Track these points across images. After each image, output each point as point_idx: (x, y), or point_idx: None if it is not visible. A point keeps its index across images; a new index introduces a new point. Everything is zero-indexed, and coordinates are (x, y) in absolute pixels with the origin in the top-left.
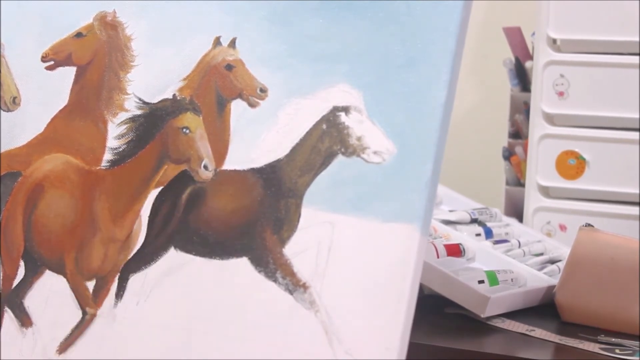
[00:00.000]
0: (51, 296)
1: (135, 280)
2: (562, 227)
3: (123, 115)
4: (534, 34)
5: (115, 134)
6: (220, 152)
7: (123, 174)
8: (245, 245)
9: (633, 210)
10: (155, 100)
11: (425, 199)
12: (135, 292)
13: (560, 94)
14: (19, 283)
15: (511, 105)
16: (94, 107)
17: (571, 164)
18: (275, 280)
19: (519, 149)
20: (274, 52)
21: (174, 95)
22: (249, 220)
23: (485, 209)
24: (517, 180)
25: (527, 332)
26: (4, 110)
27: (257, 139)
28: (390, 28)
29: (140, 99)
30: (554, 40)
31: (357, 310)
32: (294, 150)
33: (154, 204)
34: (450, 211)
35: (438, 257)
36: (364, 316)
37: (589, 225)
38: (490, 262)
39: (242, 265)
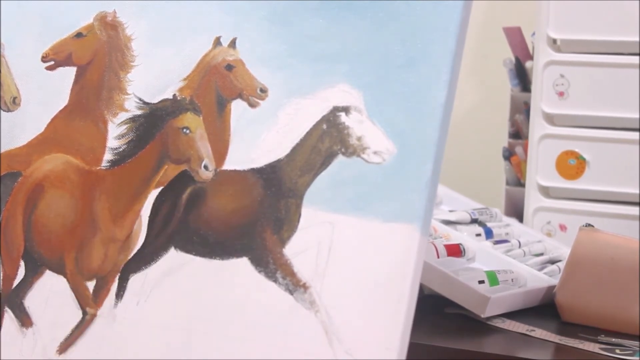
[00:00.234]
0: (51, 296)
1: (136, 280)
2: (562, 227)
3: (123, 115)
4: (534, 34)
5: (115, 134)
6: (220, 152)
7: (123, 174)
8: (245, 245)
9: (633, 210)
10: (155, 101)
11: (425, 199)
12: (135, 292)
13: (560, 94)
14: (19, 283)
15: (511, 105)
16: (94, 107)
17: (571, 164)
18: (275, 281)
19: (519, 149)
20: (274, 52)
21: (174, 95)
22: (249, 220)
23: (486, 209)
24: (517, 180)
25: (527, 332)
26: (4, 110)
27: (257, 139)
28: (390, 28)
29: (140, 99)
30: (554, 40)
31: (357, 310)
32: (294, 150)
33: (154, 204)
34: (450, 211)
35: (438, 257)
36: (364, 316)
37: (589, 225)
38: (490, 262)
39: (242, 265)
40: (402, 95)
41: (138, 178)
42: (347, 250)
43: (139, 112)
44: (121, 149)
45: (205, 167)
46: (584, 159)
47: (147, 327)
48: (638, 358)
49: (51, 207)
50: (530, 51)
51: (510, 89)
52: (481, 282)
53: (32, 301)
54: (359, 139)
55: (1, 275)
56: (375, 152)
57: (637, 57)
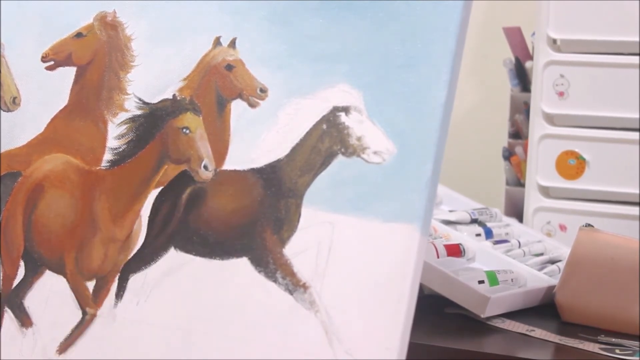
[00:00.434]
0: (51, 296)
1: (135, 281)
2: (562, 227)
3: (123, 116)
4: (534, 34)
5: (115, 134)
6: (220, 152)
7: (123, 174)
8: (245, 245)
9: (633, 210)
10: (155, 101)
11: (425, 199)
12: (135, 292)
13: (560, 94)
14: (19, 283)
15: (511, 105)
16: (94, 107)
17: (571, 164)
18: (275, 281)
19: (519, 149)
20: (274, 52)
21: (174, 95)
22: (249, 220)
23: (485, 209)
24: (517, 180)
25: (527, 332)
26: (4, 110)
27: (257, 139)
28: (390, 28)
29: (140, 99)
30: (554, 40)
31: (357, 310)
32: (294, 150)
33: (154, 204)
34: (450, 211)
35: (438, 257)
36: (364, 316)
37: (589, 225)
38: (490, 262)
39: (242, 265)
40: (402, 95)
41: (138, 178)
42: (347, 250)
43: (138, 112)
44: (121, 149)
45: (205, 167)
46: (583, 159)
47: (147, 327)
48: (638, 358)
49: (51, 207)
50: (530, 51)
51: (510, 89)
52: (481, 282)
53: (32, 301)
54: (359, 139)
55: (1, 275)
56: (375, 152)
57: (637, 57)
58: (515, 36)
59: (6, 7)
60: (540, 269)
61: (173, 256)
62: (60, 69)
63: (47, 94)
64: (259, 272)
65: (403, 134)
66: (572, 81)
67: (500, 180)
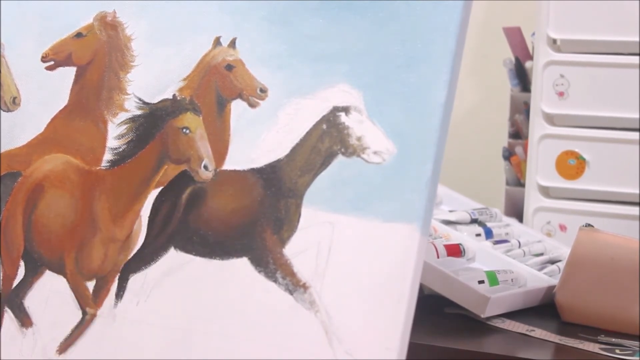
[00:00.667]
0: (51, 296)
1: (135, 281)
2: (562, 227)
3: (123, 116)
4: (534, 34)
5: (115, 134)
6: (220, 152)
7: (123, 174)
8: (245, 245)
9: (633, 210)
10: (155, 101)
11: (425, 199)
12: (135, 292)
13: (560, 94)
14: (19, 283)
15: (511, 105)
16: (94, 107)
17: (571, 164)
18: (275, 281)
19: (519, 149)
20: (274, 52)
21: (174, 95)
22: (249, 220)
23: (485, 209)
24: (517, 180)
25: (527, 332)
26: (4, 110)
27: (257, 139)
28: (390, 28)
29: (140, 99)
30: (554, 40)
31: (357, 310)
32: (294, 150)
33: (154, 204)
34: (450, 211)
35: (438, 257)
36: (364, 316)
37: (589, 225)
38: (490, 262)
39: (242, 265)
40: (402, 95)
41: (138, 178)
42: (347, 250)
43: (138, 112)
44: (121, 149)
45: (205, 167)
46: (583, 159)
47: (147, 327)
48: (638, 358)
49: (51, 207)
50: (530, 51)
51: (510, 89)
52: (481, 282)
53: (32, 301)
54: (358, 139)
55: (1, 275)
56: (375, 152)
57: (637, 57)
58: (515, 36)
59: (6, 7)
60: (540, 269)
61: (173, 256)
62: (60, 69)
63: (47, 94)
64: (259, 272)
65: (403, 134)
66: (572, 81)
67: (500, 180)
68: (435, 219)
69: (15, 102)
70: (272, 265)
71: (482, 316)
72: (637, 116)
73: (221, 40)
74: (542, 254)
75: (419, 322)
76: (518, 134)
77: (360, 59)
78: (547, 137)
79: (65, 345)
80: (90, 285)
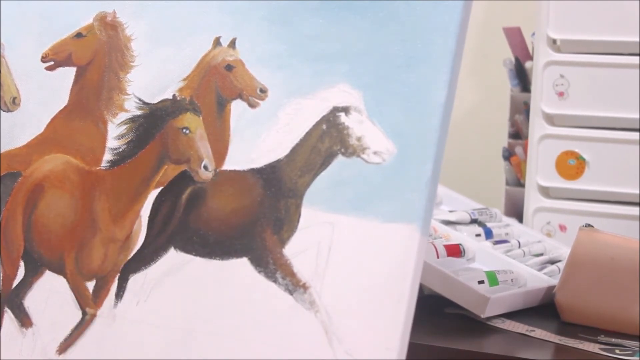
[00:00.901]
0: (51, 296)
1: (135, 281)
2: (562, 228)
3: (123, 116)
4: (534, 34)
5: (115, 134)
6: (220, 153)
7: (123, 174)
8: (245, 245)
9: (633, 210)
10: (155, 101)
11: (425, 199)
12: (135, 292)
13: (560, 94)
14: (19, 283)
15: (511, 106)
16: (93, 108)
17: (571, 164)
18: (275, 281)
19: (519, 149)
20: (274, 52)
21: (173, 95)
22: (249, 221)
23: (485, 209)
24: (517, 181)
25: (527, 333)
26: (4, 111)
27: (257, 139)
28: (390, 28)
29: (140, 100)
30: (554, 41)
31: (358, 310)
32: (294, 150)
33: (154, 204)
34: (450, 211)
35: (438, 257)
36: (364, 316)
37: (589, 225)
38: (490, 262)
39: (242, 265)
40: (402, 95)
41: (138, 178)
42: (347, 250)
43: (138, 113)
44: (121, 149)
45: (205, 167)
46: (583, 159)
47: (147, 327)
48: (638, 358)
49: (51, 207)
50: (530, 51)
51: (510, 89)
52: (481, 282)
53: (32, 301)
54: (358, 139)
55: (1, 275)
56: (375, 152)
57: (637, 57)
58: (515, 36)
59: (6, 7)
60: (540, 269)
61: (173, 256)
62: (60, 69)
63: (47, 94)
64: (259, 272)
65: (403, 134)
66: (572, 81)
67: (500, 180)
68: (435, 219)
69: (15, 102)
70: (272, 265)
71: (482, 316)
72: (637, 116)
73: (221, 40)
74: (542, 254)
75: (419, 322)
76: (518, 134)
77: (360, 59)
78: (547, 137)
79: (65, 346)
80: (90, 285)
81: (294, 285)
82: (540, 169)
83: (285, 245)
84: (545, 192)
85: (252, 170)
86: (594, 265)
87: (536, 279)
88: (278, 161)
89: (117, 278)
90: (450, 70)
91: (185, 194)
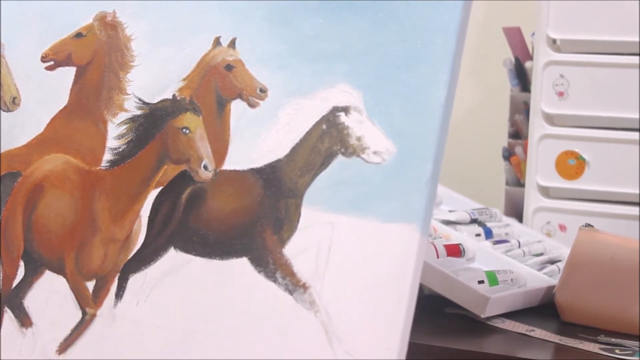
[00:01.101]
0: (51, 296)
1: (135, 281)
2: (562, 227)
3: (123, 116)
4: (533, 34)
5: (115, 134)
6: (220, 152)
7: (123, 174)
8: (245, 245)
9: (633, 210)
10: (155, 101)
11: (425, 199)
12: (135, 292)
13: (560, 94)
14: (18, 283)
15: (511, 105)
16: (93, 107)
17: (571, 164)
18: (275, 281)
19: (519, 149)
20: (274, 52)
21: (173, 95)
22: (249, 221)
23: (485, 209)
24: (517, 181)
25: (527, 333)
26: (4, 111)
27: (257, 139)
28: (390, 28)
29: (140, 99)
30: (554, 41)
31: (357, 310)
32: (294, 150)
33: (153, 204)
34: (450, 211)
35: (438, 257)
36: (364, 316)
37: (588, 225)
38: (490, 262)
39: (242, 265)
40: (402, 95)
41: (138, 178)
42: (347, 250)
43: (138, 112)
44: (121, 149)
45: (205, 167)
46: (583, 159)
47: (147, 327)
48: (638, 358)
49: (51, 207)
50: (530, 51)
51: (510, 89)
52: (481, 282)
53: (32, 301)
54: (358, 139)
55: (1, 275)
56: (375, 152)
57: (637, 57)
58: (515, 36)
59: (6, 7)
60: (540, 269)
61: (173, 256)
62: (60, 69)
63: (47, 94)
64: (259, 272)
65: (403, 134)
66: (572, 81)
67: (500, 180)
68: (435, 219)
69: (15, 102)
70: (272, 265)
71: (482, 316)
72: (637, 116)
73: (221, 40)
74: (542, 254)
75: (419, 322)
76: (518, 134)
77: (360, 59)
78: (547, 137)
79: (65, 345)
80: (90, 285)
81: (294, 285)
82: (540, 169)
83: (285, 245)
84: (545, 192)
85: (252, 170)
86: (594, 265)
87: (536, 279)
88: (278, 161)
89: (117, 278)
90: (450, 70)
91: (185, 194)
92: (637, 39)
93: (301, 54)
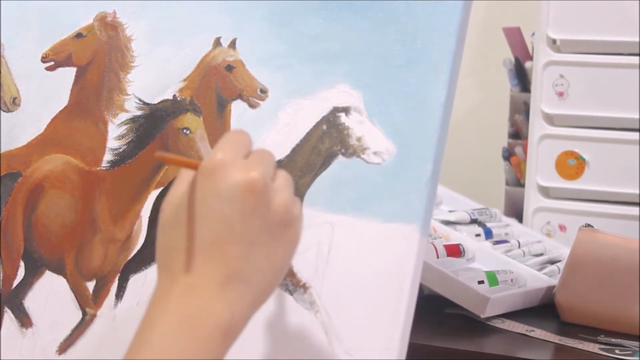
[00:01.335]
0: (51, 296)
1: (136, 281)
2: (562, 228)
3: (123, 116)
4: (533, 34)
5: (115, 135)
6: None
7: (123, 175)
8: None
9: (633, 210)
10: (155, 101)
11: (425, 199)
12: (135, 292)
13: (560, 94)
14: (18, 283)
15: (511, 106)
16: (94, 108)
17: (571, 164)
18: None
19: (518, 149)
20: (274, 52)
21: (174, 95)
22: None
23: (485, 209)
24: (517, 181)
25: (527, 333)
26: (4, 111)
27: (257, 139)
28: (390, 28)
29: (140, 100)
30: (554, 41)
31: (357, 310)
32: (294, 151)
33: (154, 205)
34: (450, 211)
35: (438, 257)
36: (364, 316)
37: (588, 225)
38: (490, 262)
39: None
40: (402, 95)
41: (138, 178)
42: (347, 250)
43: (139, 113)
44: (121, 150)
45: None
46: (583, 159)
47: None
48: (638, 358)
49: (51, 207)
50: (530, 51)
51: (510, 89)
52: (481, 282)
53: (32, 301)
54: (358, 139)
55: (1, 275)
56: (375, 153)
57: (637, 57)
58: (515, 36)
59: (6, 7)
60: (540, 269)
61: None
62: (60, 69)
63: (47, 94)
64: None
65: (403, 134)
66: (571, 81)
67: (500, 180)
68: (435, 219)
69: (15, 102)
70: None
71: (482, 316)
72: (637, 116)
73: (221, 40)
74: (542, 254)
75: (419, 322)
76: (518, 134)
77: (360, 59)
78: (546, 137)
79: (65, 346)
80: (90, 285)
81: (294, 285)
82: (540, 169)
83: None
84: (545, 192)
85: None
86: (594, 265)
87: (536, 279)
88: (278, 162)
89: (117, 278)
90: (450, 70)
91: None
92: (637, 39)
93: (301, 54)
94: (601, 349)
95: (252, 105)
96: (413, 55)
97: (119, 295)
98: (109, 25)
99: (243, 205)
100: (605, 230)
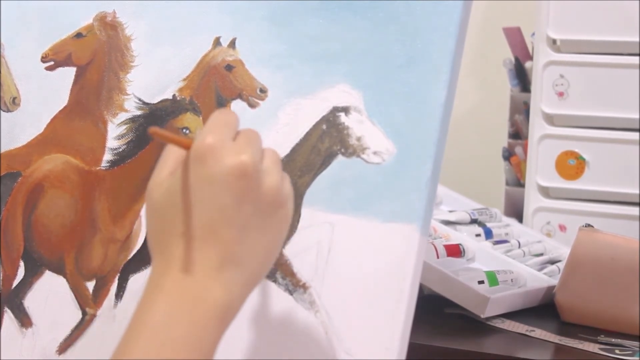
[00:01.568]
0: (51, 296)
1: (135, 281)
2: (562, 228)
3: (123, 116)
4: (533, 34)
5: (115, 135)
6: None
7: (123, 175)
8: None
9: (633, 210)
10: (155, 101)
11: (425, 199)
12: (135, 292)
13: (560, 94)
14: (18, 283)
15: (511, 106)
16: (93, 108)
17: (571, 164)
18: (275, 281)
19: (519, 149)
20: (274, 52)
21: (173, 95)
22: None
23: (485, 209)
24: (517, 181)
25: (527, 333)
26: (4, 111)
27: None
28: (390, 28)
29: (140, 100)
30: (554, 41)
31: (357, 310)
32: (294, 150)
33: None
34: (450, 211)
35: (438, 257)
36: (364, 316)
37: (588, 225)
38: (490, 262)
39: None
40: (402, 95)
41: (138, 178)
42: (347, 250)
43: (138, 113)
44: (121, 149)
45: None
46: (583, 159)
47: None
48: (638, 358)
49: (51, 207)
50: (530, 51)
51: (510, 89)
52: (481, 282)
53: (31, 301)
54: (358, 139)
55: (1, 275)
56: (375, 152)
57: (637, 57)
58: (515, 36)
59: (6, 7)
60: (540, 269)
61: None
62: (60, 69)
63: (47, 94)
64: None
65: (403, 134)
66: (571, 81)
67: (500, 180)
68: (435, 219)
69: (15, 102)
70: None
71: (482, 316)
72: (637, 116)
73: (221, 40)
74: (542, 254)
75: (419, 322)
76: (518, 134)
77: (360, 59)
78: (546, 137)
79: (65, 346)
80: (90, 285)
81: (294, 285)
82: (540, 169)
83: (285, 246)
84: (545, 192)
85: None
86: (594, 265)
87: (536, 279)
88: None
89: (117, 278)
90: (450, 70)
91: None
92: (637, 39)
93: (301, 54)
94: (601, 349)
95: (252, 105)
96: (413, 55)
97: (119, 295)
98: (108, 25)
99: (235, 189)
100: (605, 230)
